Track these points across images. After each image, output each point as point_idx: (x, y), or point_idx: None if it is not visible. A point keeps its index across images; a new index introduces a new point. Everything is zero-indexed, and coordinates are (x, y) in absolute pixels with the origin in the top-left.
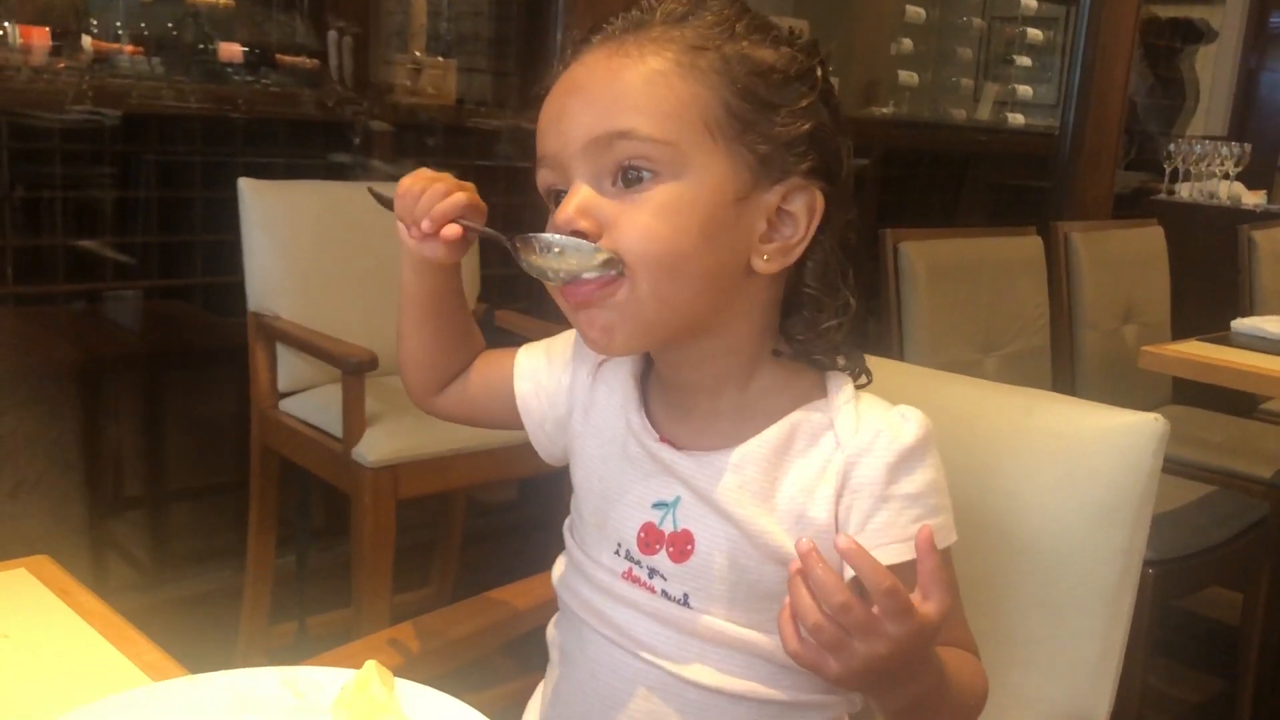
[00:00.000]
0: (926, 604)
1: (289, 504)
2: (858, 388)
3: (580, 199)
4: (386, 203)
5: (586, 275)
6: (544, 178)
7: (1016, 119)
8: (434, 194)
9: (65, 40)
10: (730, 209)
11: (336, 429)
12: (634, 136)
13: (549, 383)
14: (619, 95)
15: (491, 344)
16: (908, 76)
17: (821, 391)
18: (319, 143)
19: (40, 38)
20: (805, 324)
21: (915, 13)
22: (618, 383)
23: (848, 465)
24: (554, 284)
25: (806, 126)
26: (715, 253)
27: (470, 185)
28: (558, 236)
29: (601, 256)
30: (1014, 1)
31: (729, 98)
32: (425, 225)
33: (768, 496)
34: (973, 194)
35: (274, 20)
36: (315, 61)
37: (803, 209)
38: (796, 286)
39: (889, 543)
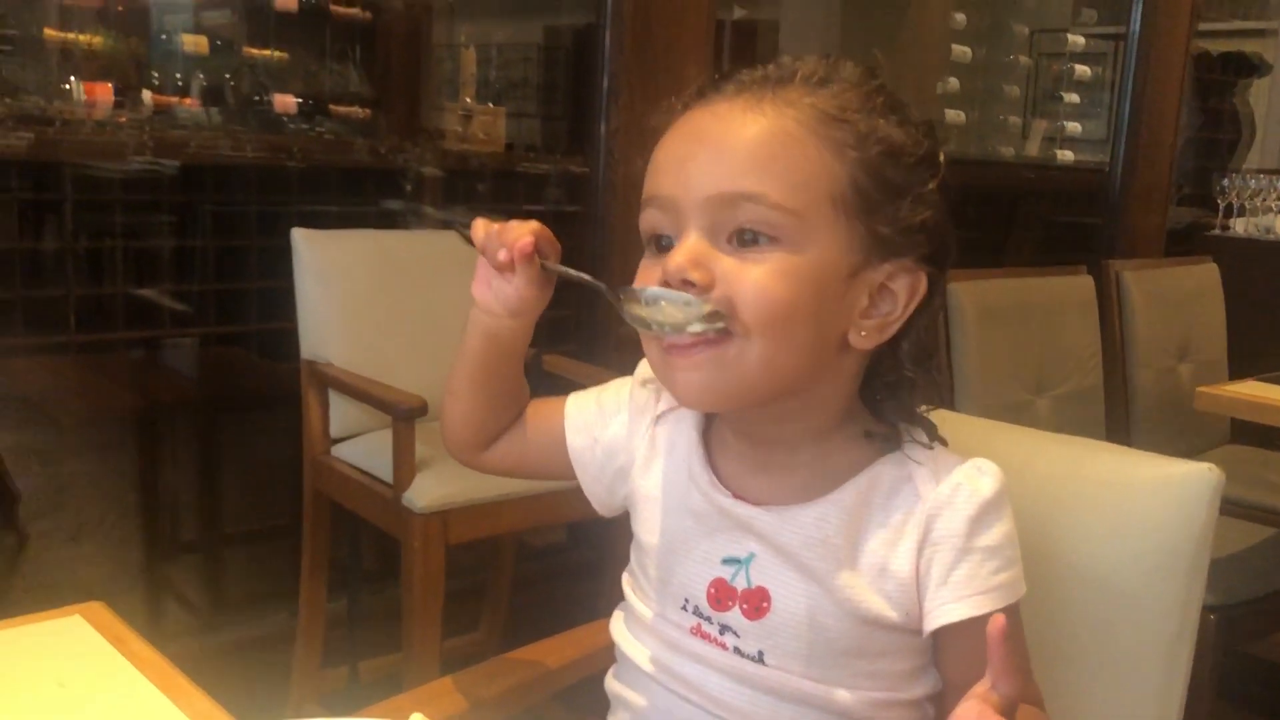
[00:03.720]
0: (993, 695)
1: (340, 548)
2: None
3: (695, 250)
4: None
5: (692, 329)
6: (650, 219)
7: (1065, 155)
8: (509, 226)
9: (127, 94)
10: (842, 283)
11: (387, 474)
12: (762, 202)
13: (604, 436)
14: (750, 154)
15: (540, 388)
16: (955, 115)
17: (896, 444)
18: (372, 189)
19: (104, 93)
20: (900, 409)
21: (961, 52)
22: (679, 436)
23: (929, 518)
24: (653, 335)
25: (927, 214)
26: (820, 324)
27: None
28: (660, 290)
29: (707, 309)
30: (1061, 39)
31: (859, 175)
32: (502, 255)
33: (850, 551)
34: (1022, 231)
35: (327, 70)
36: (368, 110)
37: (904, 288)
38: (886, 361)
39: (971, 595)
